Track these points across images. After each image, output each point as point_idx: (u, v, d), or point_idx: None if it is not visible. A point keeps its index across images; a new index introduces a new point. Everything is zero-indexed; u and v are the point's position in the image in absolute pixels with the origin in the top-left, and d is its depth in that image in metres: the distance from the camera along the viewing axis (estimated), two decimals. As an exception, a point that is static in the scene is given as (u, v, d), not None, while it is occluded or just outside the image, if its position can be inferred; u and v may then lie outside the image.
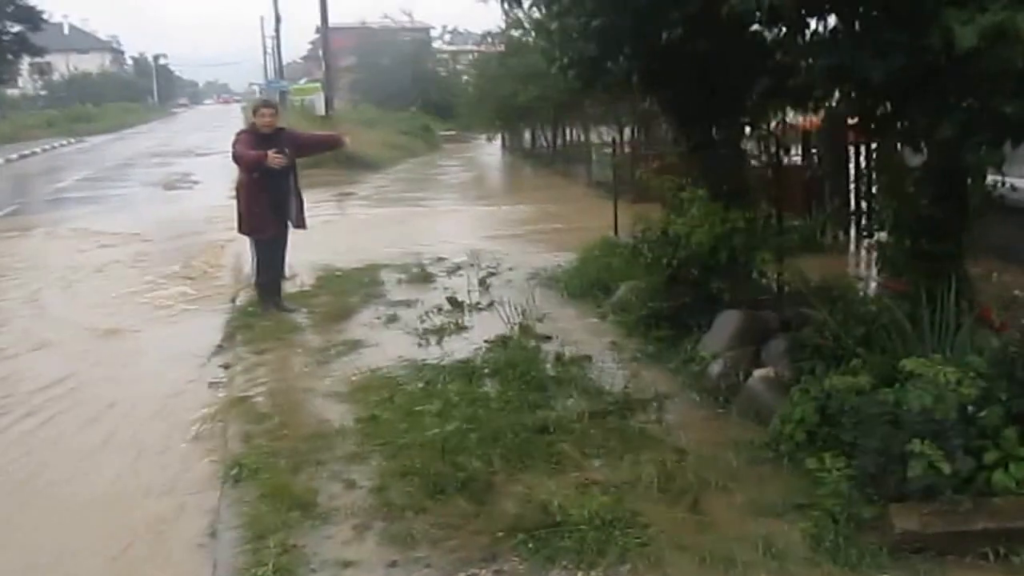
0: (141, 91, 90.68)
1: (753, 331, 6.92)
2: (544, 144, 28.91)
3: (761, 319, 7.04)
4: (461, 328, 8.13)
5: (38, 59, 49.99)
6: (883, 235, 7.40)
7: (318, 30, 67.14)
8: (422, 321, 8.41)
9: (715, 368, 6.49)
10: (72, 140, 44.64)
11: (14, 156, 34.40)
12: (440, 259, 11.29)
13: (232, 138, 8.87)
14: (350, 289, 9.81)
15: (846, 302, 6.28)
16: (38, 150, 37.83)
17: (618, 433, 5.38)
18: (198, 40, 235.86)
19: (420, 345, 7.70)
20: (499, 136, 32.22)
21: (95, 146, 41.39)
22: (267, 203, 8.68)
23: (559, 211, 15.80)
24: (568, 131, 26.41)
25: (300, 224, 9.13)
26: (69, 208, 19.18)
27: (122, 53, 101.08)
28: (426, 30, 46.40)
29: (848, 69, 4.81)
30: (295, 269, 10.57)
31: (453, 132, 36.47)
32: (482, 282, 9.85)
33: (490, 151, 32.25)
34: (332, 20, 31.93)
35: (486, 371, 6.68)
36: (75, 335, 8.85)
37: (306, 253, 10.82)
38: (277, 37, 60.47)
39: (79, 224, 16.57)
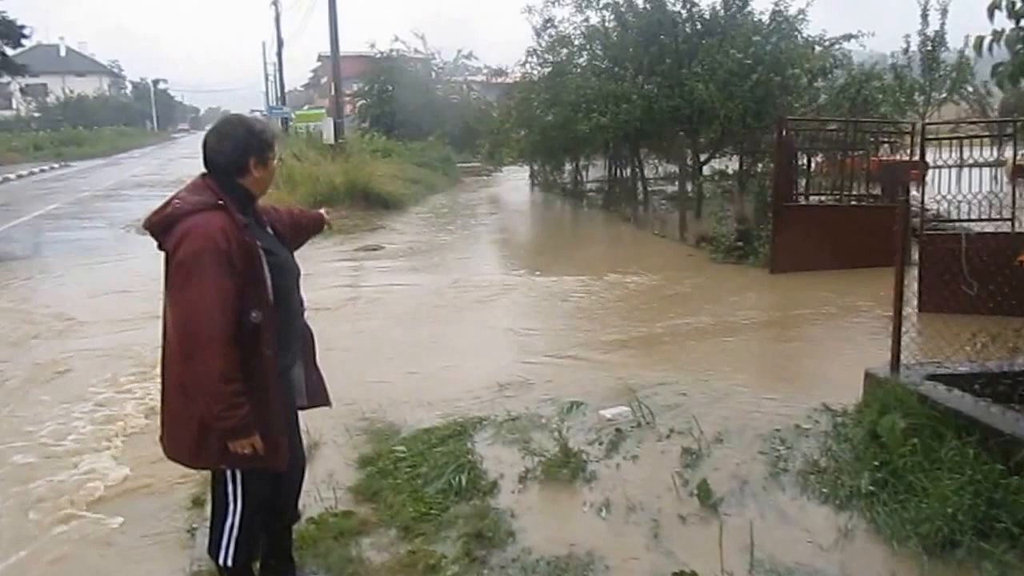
0: (139, 116, 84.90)
1: None
2: (584, 179, 23.76)
3: None
4: None
5: (24, 78, 44.47)
6: None
7: (320, 58, 62.49)
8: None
9: None
10: (56, 165, 39.18)
11: (-20, 183, 29.05)
12: (575, 404, 6.03)
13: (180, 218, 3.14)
14: (431, 503, 4.55)
15: None
16: (12, 176, 32.35)
17: None
18: (201, 68, 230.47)
19: None
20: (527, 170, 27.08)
21: (79, 172, 35.90)
22: (275, 384, 3.30)
23: (677, 288, 10.54)
24: (621, 166, 21.31)
25: (321, 400, 3.77)
26: (2, 263, 13.81)
27: (122, 77, 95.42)
28: (430, 58, 40.94)
29: None
30: (316, 430, 5.33)
31: (474, 164, 31.15)
32: (702, 494, 4.58)
33: (518, 187, 26.92)
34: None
35: None
36: None
37: (332, 384, 5.62)
38: (279, 61, 56.01)
39: (1, 289, 11.31)
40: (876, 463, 4.71)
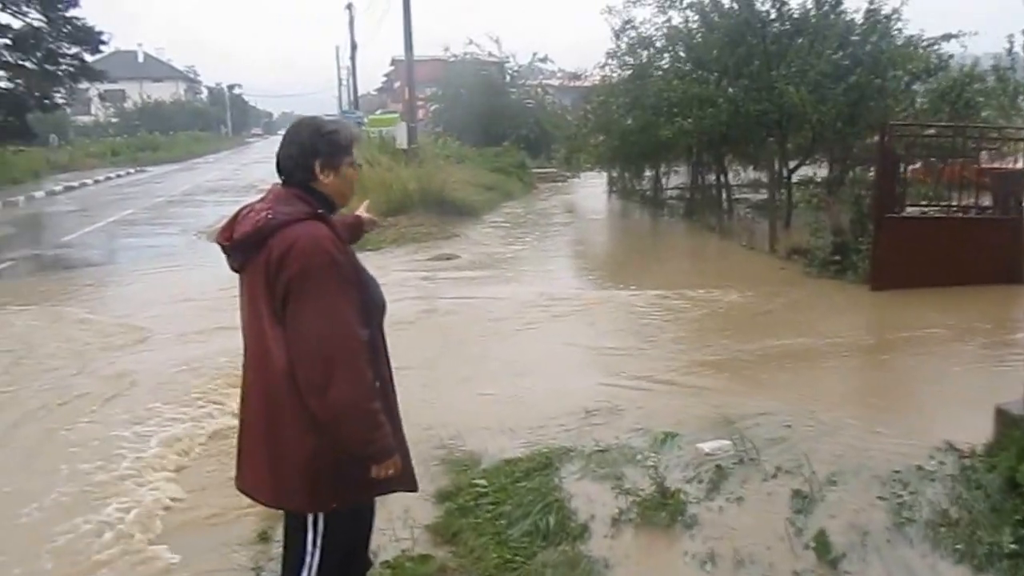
0: (214, 121, 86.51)
1: None
2: (664, 187, 23.15)
3: None
4: None
5: (103, 84, 45.50)
6: None
7: (393, 61, 62.87)
8: None
9: None
10: (132, 170, 39.88)
11: (58, 188, 29.58)
12: (669, 436, 5.60)
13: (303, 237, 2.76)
14: (516, 548, 4.17)
15: None
16: (89, 181, 33.02)
17: None
18: (275, 73, 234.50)
19: None
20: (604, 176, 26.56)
21: (153, 177, 36.58)
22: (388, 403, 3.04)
23: (770, 305, 10.01)
24: (703, 172, 20.68)
25: None
26: (76, 269, 13.93)
27: (198, 83, 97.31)
28: (504, 61, 40.58)
29: None
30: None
31: (550, 170, 30.82)
32: (820, 547, 4.14)
33: (595, 194, 26.40)
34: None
35: None
36: None
37: (405, 407, 5.28)
38: (353, 65, 56.59)
39: (72, 298, 11.33)
40: (1018, 517, 4.22)
